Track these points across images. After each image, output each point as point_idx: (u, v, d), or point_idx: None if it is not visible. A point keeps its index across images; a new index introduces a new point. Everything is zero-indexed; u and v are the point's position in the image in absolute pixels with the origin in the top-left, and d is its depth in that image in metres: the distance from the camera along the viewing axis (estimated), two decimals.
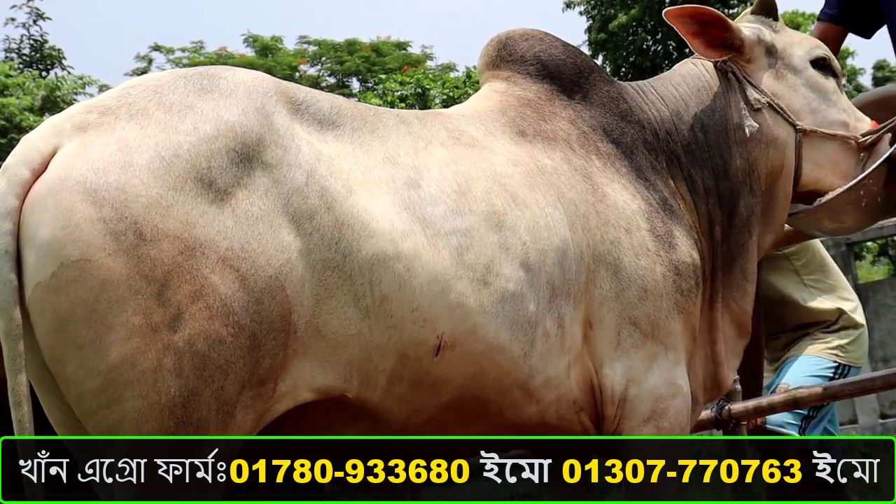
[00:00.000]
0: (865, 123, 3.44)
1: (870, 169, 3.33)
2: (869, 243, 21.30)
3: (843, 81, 3.60)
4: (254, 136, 2.48)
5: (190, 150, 2.38)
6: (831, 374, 4.81)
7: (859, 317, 5.03)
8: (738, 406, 4.53)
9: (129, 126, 2.39)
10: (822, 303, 4.99)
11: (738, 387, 4.64)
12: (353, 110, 2.78)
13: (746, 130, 3.31)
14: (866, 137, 3.37)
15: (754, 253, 3.38)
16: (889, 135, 3.41)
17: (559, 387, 2.86)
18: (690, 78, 3.44)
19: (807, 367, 4.85)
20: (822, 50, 3.50)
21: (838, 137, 3.38)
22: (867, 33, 3.94)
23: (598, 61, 24.48)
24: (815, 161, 3.38)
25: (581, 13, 25.27)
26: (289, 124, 2.57)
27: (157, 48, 23.74)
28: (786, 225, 3.66)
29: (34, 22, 22.52)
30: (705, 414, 4.56)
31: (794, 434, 4.72)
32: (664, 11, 3.35)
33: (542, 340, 2.78)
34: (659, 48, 24.06)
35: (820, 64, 3.46)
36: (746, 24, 3.46)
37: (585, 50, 24.41)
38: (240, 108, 2.50)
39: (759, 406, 4.48)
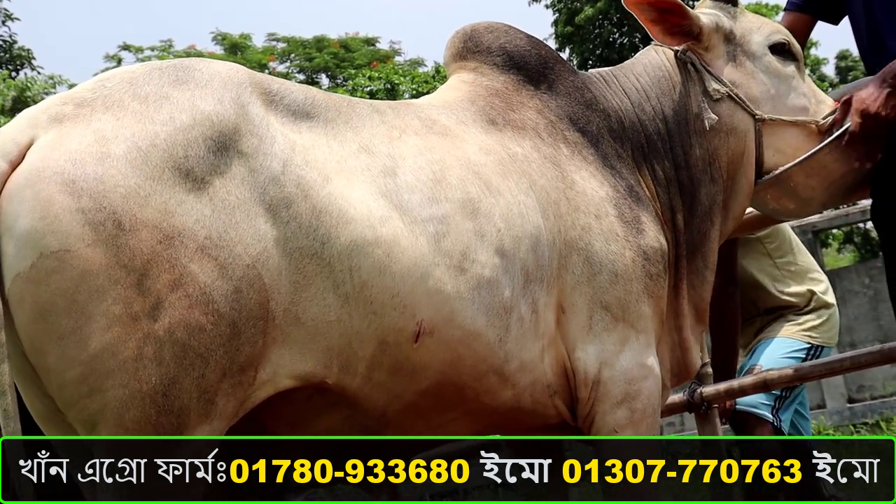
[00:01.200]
0: (826, 106, 3.46)
1: (823, 143, 3.33)
2: (835, 230, 21.42)
3: (807, 71, 3.62)
4: (230, 125, 2.49)
5: (167, 139, 2.39)
6: (804, 356, 4.84)
7: (830, 297, 5.08)
8: (709, 389, 4.55)
9: (106, 117, 2.40)
10: (794, 286, 5.03)
11: (710, 370, 4.68)
12: (327, 100, 2.81)
13: (706, 123, 3.34)
14: (825, 120, 3.40)
15: (716, 241, 3.42)
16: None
17: (533, 371, 2.90)
18: (651, 68, 3.47)
19: (780, 349, 4.88)
20: (782, 35, 3.52)
21: (798, 123, 3.40)
22: (834, 20, 3.96)
23: (565, 54, 24.53)
24: (776, 147, 3.40)
25: (547, 6, 25.33)
26: (263, 114, 2.59)
27: (126, 47, 23.60)
28: (753, 210, 3.69)
29: (2, 23, 22.37)
30: (678, 397, 4.60)
31: (768, 415, 4.76)
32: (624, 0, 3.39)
33: (517, 326, 2.82)
34: (625, 40, 24.15)
35: (779, 49, 3.48)
36: (705, 11, 3.49)
37: (552, 43, 24.49)
38: (215, 98, 2.52)
39: (731, 389, 4.51)
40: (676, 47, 3.45)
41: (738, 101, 3.38)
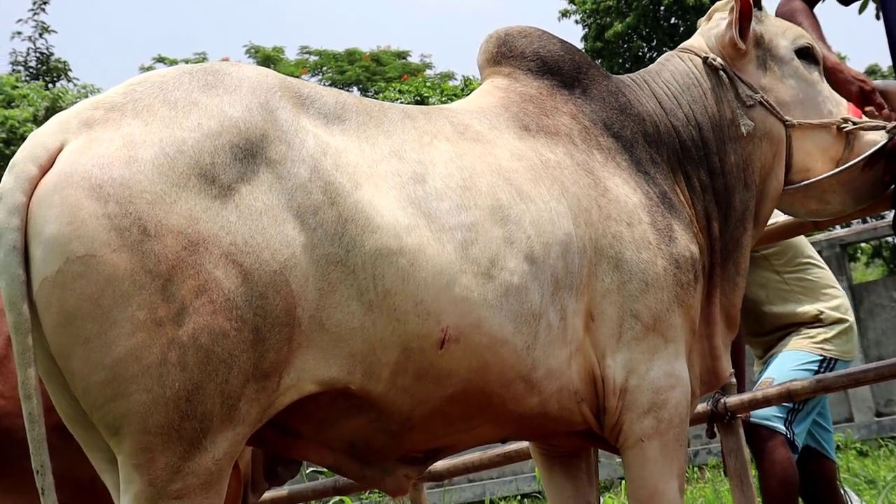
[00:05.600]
0: (843, 108, 3.52)
1: (864, 155, 3.40)
2: (863, 244, 21.28)
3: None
4: (257, 131, 2.49)
5: (194, 146, 2.40)
6: (816, 368, 4.82)
7: (843, 312, 5.05)
8: (733, 399, 4.54)
9: (135, 122, 2.41)
10: (802, 305, 5.01)
11: (734, 380, 4.67)
12: (358, 105, 2.80)
13: (743, 129, 3.36)
14: (847, 126, 3.45)
15: (748, 247, 3.43)
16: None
17: (560, 378, 2.89)
18: (679, 75, 3.47)
19: (791, 361, 4.86)
20: (806, 39, 3.56)
21: (825, 125, 3.46)
22: (845, 1, 4.00)
23: None
24: (806, 150, 3.46)
25: (577, 22, 25.36)
26: (293, 119, 2.59)
27: (160, 59, 23.81)
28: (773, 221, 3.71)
29: (40, 35, 22.53)
30: (701, 407, 4.59)
31: (781, 427, 4.74)
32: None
33: (545, 332, 2.81)
34: (654, 55, 24.08)
35: (804, 53, 3.53)
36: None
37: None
38: (244, 104, 2.52)
39: (755, 399, 4.50)
40: (703, 54, 3.47)
41: (769, 107, 3.41)
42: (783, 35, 3.53)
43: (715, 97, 3.42)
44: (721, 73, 3.44)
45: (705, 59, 3.47)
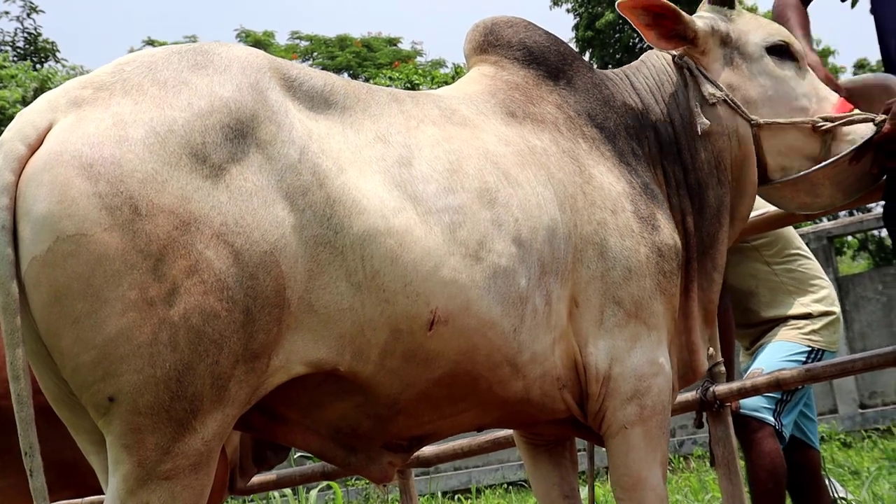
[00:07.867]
0: (829, 102, 3.45)
1: (852, 148, 3.33)
2: (849, 238, 21.36)
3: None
4: (248, 112, 2.49)
5: (184, 125, 2.39)
6: (804, 359, 4.85)
7: (828, 305, 5.08)
8: (722, 388, 4.55)
9: (124, 101, 2.40)
10: (789, 298, 5.04)
11: (723, 369, 4.68)
12: (346, 88, 2.81)
13: (699, 127, 3.34)
14: (823, 125, 3.38)
15: (724, 243, 3.43)
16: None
17: (544, 363, 2.91)
18: (655, 72, 3.49)
19: (780, 352, 4.89)
20: (780, 36, 3.51)
21: (797, 125, 3.40)
22: None
23: (585, 58, 24.53)
24: (778, 149, 3.41)
25: (568, 11, 25.39)
26: (282, 101, 2.59)
27: (150, 43, 23.77)
28: (755, 211, 3.69)
29: (28, 15, 22.48)
30: (690, 395, 4.60)
31: (769, 418, 4.77)
32: (618, 3, 3.38)
33: (531, 316, 2.83)
34: (645, 45, 24.09)
35: (777, 50, 3.47)
36: (702, 14, 3.50)
37: (573, 47, 24.53)
38: (234, 84, 2.51)
39: (744, 388, 4.51)
40: (672, 52, 3.46)
41: (733, 106, 3.38)
42: (754, 32, 3.48)
43: (685, 95, 3.42)
44: (685, 70, 3.44)
45: (674, 58, 3.48)
